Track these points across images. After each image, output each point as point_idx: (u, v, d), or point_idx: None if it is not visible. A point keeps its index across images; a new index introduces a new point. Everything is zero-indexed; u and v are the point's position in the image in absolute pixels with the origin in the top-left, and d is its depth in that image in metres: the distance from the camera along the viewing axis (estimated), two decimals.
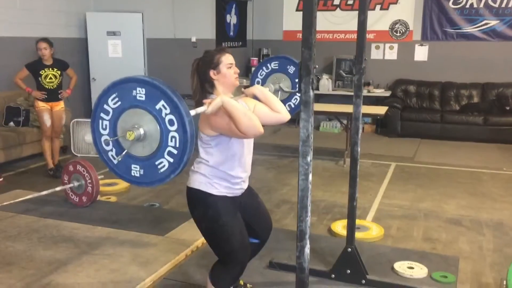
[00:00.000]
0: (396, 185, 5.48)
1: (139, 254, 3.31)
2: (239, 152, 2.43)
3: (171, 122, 1.87)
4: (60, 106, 5.72)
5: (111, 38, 8.03)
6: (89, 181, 4.22)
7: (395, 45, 8.75)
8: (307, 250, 2.07)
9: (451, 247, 3.86)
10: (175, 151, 1.89)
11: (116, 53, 8.08)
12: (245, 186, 2.55)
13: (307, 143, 1.95)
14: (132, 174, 2.01)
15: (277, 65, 3.14)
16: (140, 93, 1.90)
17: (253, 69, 8.69)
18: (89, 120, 2.07)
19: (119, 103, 1.96)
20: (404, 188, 5.37)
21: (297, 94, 3.15)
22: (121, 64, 7.97)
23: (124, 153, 1.98)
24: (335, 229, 4.07)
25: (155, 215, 4.22)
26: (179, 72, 7.90)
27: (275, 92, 3.05)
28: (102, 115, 2.02)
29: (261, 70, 3.18)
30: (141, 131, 1.92)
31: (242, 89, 2.59)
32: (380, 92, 8.55)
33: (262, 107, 2.54)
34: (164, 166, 1.93)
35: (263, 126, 2.30)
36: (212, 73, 2.39)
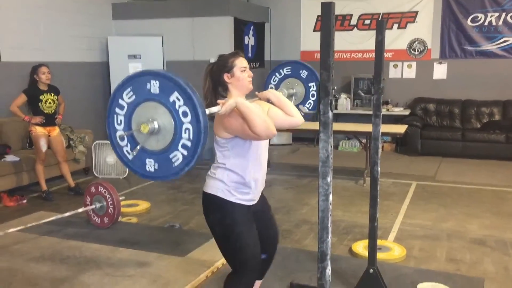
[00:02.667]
0: (418, 205, 5.40)
1: (160, 275, 3.32)
2: (255, 154, 2.43)
3: (184, 114, 1.89)
4: (56, 130, 5.74)
5: (132, 61, 8.19)
6: (111, 202, 4.27)
7: (414, 64, 8.73)
8: (328, 271, 2.05)
9: (476, 268, 3.78)
10: (189, 143, 1.91)
11: None
12: (260, 189, 2.54)
13: (327, 163, 1.95)
14: (147, 169, 2.03)
15: (289, 70, 3.16)
16: (154, 86, 1.93)
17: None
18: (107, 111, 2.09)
19: (134, 97, 1.99)
20: (425, 208, 5.29)
21: (311, 98, 3.14)
22: None
23: (138, 147, 1.99)
24: (356, 250, 4.03)
25: (176, 236, 4.24)
26: (198, 93, 8.00)
27: (289, 96, 3.07)
28: (117, 110, 2.05)
29: (274, 76, 3.21)
30: (155, 124, 1.94)
31: (256, 93, 2.61)
32: (399, 110, 8.51)
33: (276, 110, 2.54)
34: (178, 159, 1.95)
35: (277, 130, 2.31)
36: (226, 76, 2.41)
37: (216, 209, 2.44)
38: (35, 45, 6.90)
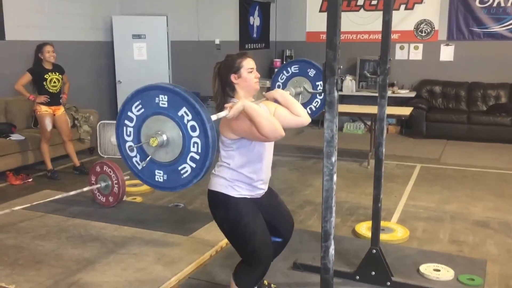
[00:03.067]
0: (422, 187, 5.41)
1: (164, 253, 3.35)
2: (260, 155, 2.45)
3: (193, 128, 1.90)
4: (61, 110, 5.75)
5: (136, 41, 8.15)
6: (116, 181, 4.29)
7: (420, 45, 8.65)
8: (331, 250, 2.07)
9: (479, 249, 3.80)
10: (197, 157, 1.93)
11: (141, 55, 8.19)
12: (265, 187, 2.57)
13: (332, 143, 1.95)
14: (156, 179, 2.05)
15: (297, 68, 3.15)
16: (162, 100, 1.94)
17: (276, 70, 8.70)
18: (115, 122, 2.11)
19: (143, 110, 2.01)
20: (429, 190, 5.30)
21: (318, 97, 3.14)
22: (146, 67, 8.08)
23: (148, 159, 2.02)
24: (359, 231, 4.05)
25: (180, 216, 4.26)
26: (202, 74, 7.96)
27: (296, 95, 3.06)
28: (126, 122, 2.06)
29: (281, 74, 3.19)
30: (164, 137, 1.96)
31: (263, 93, 2.61)
32: (404, 92, 8.45)
33: (282, 110, 2.56)
34: (187, 171, 1.97)
35: (283, 129, 2.31)
36: (233, 77, 2.41)
37: (220, 206, 2.46)
38: (39, 23, 6.87)
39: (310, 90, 3.05)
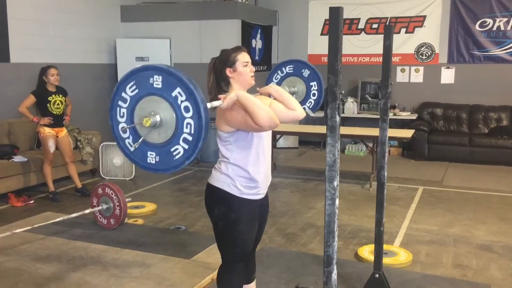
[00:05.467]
0: (424, 210, 5.38)
1: (165, 277, 3.33)
2: (258, 147, 2.44)
3: (186, 109, 1.91)
4: (64, 132, 5.77)
5: (139, 63, 8.22)
6: (117, 204, 4.29)
7: (421, 68, 8.71)
8: (334, 275, 2.05)
9: (482, 274, 3.76)
10: (190, 138, 1.93)
11: None
12: (267, 182, 2.53)
13: (334, 167, 1.96)
14: (148, 161, 2.05)
15: (292, 68, 3.17)
16: (157, 81, 1.95)
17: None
18: (110, 102, 2.11)
19: (137, 90, 2.01)
20: (432, 213, 5.27)
21: (312, 97, 3.13)
22: None
23: (140, 140, 2.02)
24: (362, 254, 4.02)
25: (181, 238, 4.25)
26: (205, 96, 8.02)
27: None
28: (120, 103, 2.07)
29: (276, 74, 3.21)
30: (157, 118, 1.96)
31: (257, 88, 2.61)
32: (406, 115, 8.48)
33: (277, 104, 2.53)
34: (179, 152, 1.97)
35: (279, 123, 2.31)
36: (228, 71, 2.42)
37: (222, 203, 2.45)
38: (44, 46, 6.95)
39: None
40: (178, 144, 1.96)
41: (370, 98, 8.50)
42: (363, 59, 9.00)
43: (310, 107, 3.15)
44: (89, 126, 7.22)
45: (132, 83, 2.02)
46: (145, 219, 4.99)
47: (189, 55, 8.31)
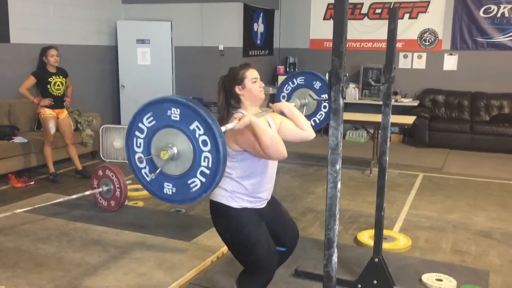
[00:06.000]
0: (424, 196, 5.39)
1: (165, 259, 3.35)
2: (263, 168, 2.45)
3: (204, 143, 1.89)
4: (65, 113, 5.76)
5: (140, 46, 8.17)
6: (118, 185, 4.29)
7: (424, 54, 8.65)
8: (334, 258, 2.06)
9: (481, 260, 3.77)
10: (207, 171, 1.91)
11: (145, 60, 8.21)
12: (267, 198, 2.55)
13: (336, 151, 1.95)
14: (165, 191, 2.04)
15: (303, 80, 3.15)
16: (174, 113, 1.93)
17: (279, 77, 8.72)
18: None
19: (154, 122, 1.99)
20: (432, 199, 5.28)
21: (323, 109, 3.14)
22: (149, 72, 8.10)
23: (157, 171, 2.01)
24: (362, 239, 4.03)
25: (181, 221, 4.26)
26: (206, 80, 7.98)
27: (301, 107, 3.07)
28: (137, 133, 2.05)
29: (287, 85, 3.20)
30: (175, 150, 1.95)
31: (270, 104, 2.62)
32: (407, 101, 8.45)
33: (288, 123, 2.58)
34: (196, 185, 1.95)
35: (288, 141, 2.33)
36: (237, 88, 2.43)
37: (221, 216, 2.46)
38: (44, 27, 6.89)
39: (315, 97, 3.05)
40: (195, 177, 1.94)
41: (373, 82, 8.45)
42: (366, 44, 8.93)
43: (321, 119, 3.15)
44: (89, 108, 7.19)
45: (149, 114, 2.00)
46: (145, 201, 4.99)
47: (191, 38, 8.25)
